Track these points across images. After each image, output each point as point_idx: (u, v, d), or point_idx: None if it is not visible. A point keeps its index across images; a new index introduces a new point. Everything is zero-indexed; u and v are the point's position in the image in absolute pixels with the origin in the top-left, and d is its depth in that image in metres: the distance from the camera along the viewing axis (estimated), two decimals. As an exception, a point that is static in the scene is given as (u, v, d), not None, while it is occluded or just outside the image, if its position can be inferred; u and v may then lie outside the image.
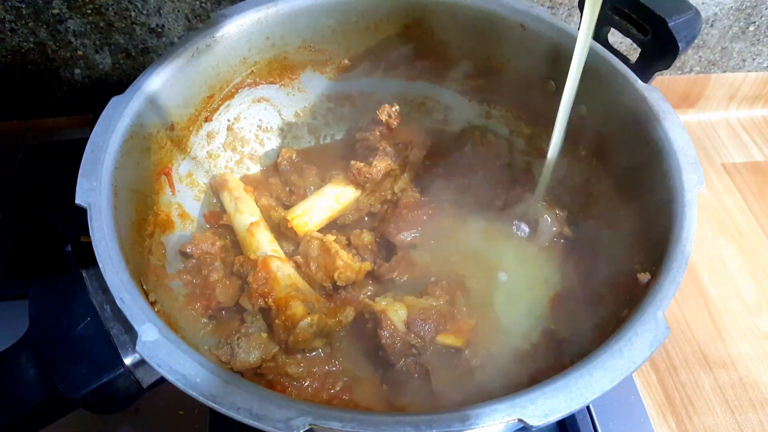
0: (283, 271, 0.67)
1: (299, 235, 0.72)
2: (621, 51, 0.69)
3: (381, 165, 0.75)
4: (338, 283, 0.70)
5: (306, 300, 0.65)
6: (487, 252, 0.75)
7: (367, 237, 0.74)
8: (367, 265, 0.71)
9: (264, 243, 0.71)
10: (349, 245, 0.74)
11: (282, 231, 0.74)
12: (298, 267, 0.70)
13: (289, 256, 0.72)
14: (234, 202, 0.75)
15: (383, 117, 0.77)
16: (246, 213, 0.74)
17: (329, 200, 0.75)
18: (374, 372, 0.65)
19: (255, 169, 0.84)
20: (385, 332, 0.62)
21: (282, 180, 0.82)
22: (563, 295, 0.70)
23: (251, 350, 0.63)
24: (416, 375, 0.63)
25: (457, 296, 0.69)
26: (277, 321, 0.64)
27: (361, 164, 0.75)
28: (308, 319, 0.62)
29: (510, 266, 0.73)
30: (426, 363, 0.63)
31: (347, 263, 0.69)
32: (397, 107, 0.79)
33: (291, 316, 0.62)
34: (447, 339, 0.64)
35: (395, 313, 0.63)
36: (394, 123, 0.78)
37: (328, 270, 0.69)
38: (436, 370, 0.63)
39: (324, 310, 0.65)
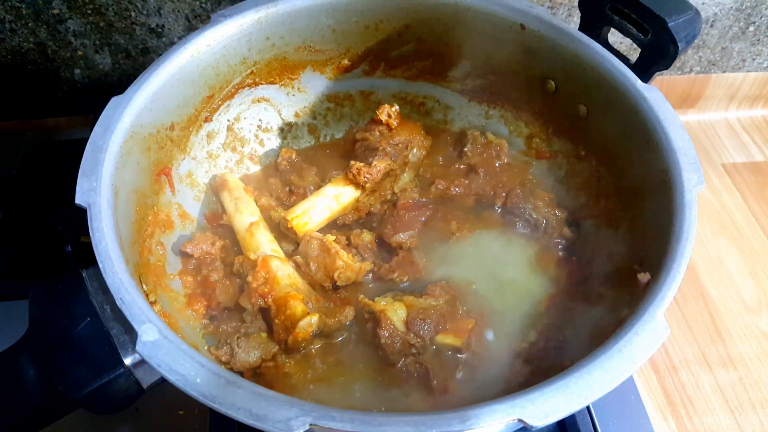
0: (283, 270, 0.67)
1: (299, 235, 0.72)
2: (621, 51, 0.69)
3: (381, 165, 0.75)
4: (338, 283, 0.69)
5: (306, 300, 0.65)
6: (487, 252, 0.75)
7: (367, 237, 0.74)
8: (367, 265, 0.71)
9: (264, 243, 0.71)
10: (349, 245, 0.74)
11: (282, 231, 0.74)
12: (298, 267, 0.70)
13: (289, 256, 0.72)
14: (234, 202, 0.75)
15: (383, 117, 0.77)
16: (246, 213, 0.74)
17: (329, 200, 0.75)
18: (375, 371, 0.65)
19: (255, 169, 0.84)
20: (385, 332, 0.62)
21: (282, 180, 0.82)
22: (563, 294, 0.70)
23: (251, 350, 0.62)
24: (416, 375, 0.63)
25: (456, 296, 0.69)
26: (276, 321, 0.64)
27: (361, 164, 0.75)
28: (308, 319, 0.62)
29: (510, 266, 0.73)
30: (426, 363, 0.63)
31: (347, 263, 0.69)
32: (397, 107, 0.79)
33: (290, 316, 0.62)
34: (446, 339, 0.64)
35: (394, 312, 0.63)
36: (394, 123, 0.78)
37: (328, 270, 0.69)
38: (436, 370, 0.63)
39: (324, 309, 0.65)
